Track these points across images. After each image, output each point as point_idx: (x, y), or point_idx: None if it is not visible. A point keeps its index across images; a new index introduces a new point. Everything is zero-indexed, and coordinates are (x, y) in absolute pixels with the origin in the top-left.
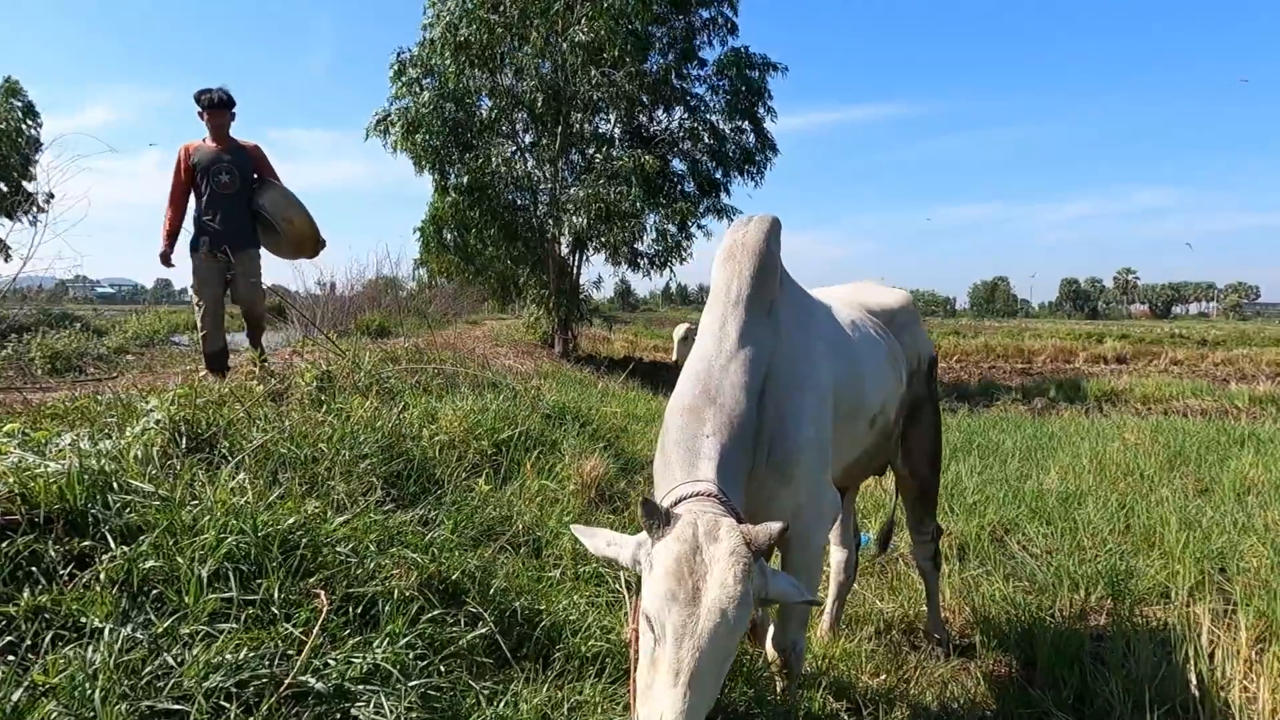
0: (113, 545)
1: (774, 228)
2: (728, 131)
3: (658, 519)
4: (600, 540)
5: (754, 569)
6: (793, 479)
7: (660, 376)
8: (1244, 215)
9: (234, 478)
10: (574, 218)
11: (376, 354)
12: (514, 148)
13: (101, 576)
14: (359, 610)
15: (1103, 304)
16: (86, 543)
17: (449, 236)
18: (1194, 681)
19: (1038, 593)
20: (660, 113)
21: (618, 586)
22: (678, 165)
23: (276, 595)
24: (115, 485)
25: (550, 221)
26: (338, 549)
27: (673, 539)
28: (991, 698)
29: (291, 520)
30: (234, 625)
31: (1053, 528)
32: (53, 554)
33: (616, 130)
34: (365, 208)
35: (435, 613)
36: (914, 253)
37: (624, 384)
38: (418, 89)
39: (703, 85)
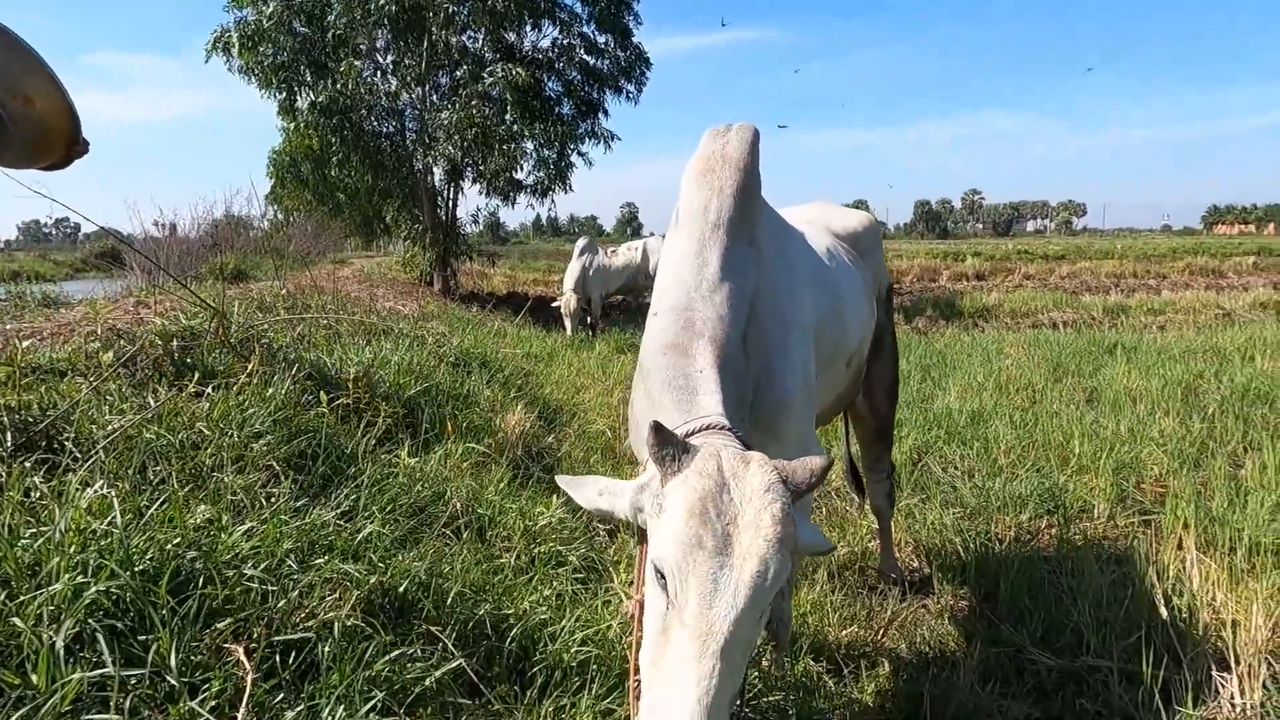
0: None
1: (756, 138)
2: (601, 44)
3: (673, 448)
4: (590, 490)
5: (792, 512)
6: (782, 433)
7: (547, 311)
8: (1075, 138)
9: (89, 485)
10: (447, 146)
11: (246, 302)
12: (374, 67)
13: None
14: (289, 657)
15: (951, 224)
16: None
17: (305, 169)
18: (1162, 605)
19: (971, 517)
20: (530, 29)
21: (584, 563)
22: (553, 86)
23: (173, 659)
24: None
25: (420, 150)
26: (246, 573)
27: (693, 473)
28: (961, 638)
29: (177, 540)
30: (114, 717)
31: (968, 448)
32: None
33: (486, 49)
34: (213, 143)
35: (386, 643)
36: (779, 179)
37: (514, 321)
38: (261, 1)
39: None
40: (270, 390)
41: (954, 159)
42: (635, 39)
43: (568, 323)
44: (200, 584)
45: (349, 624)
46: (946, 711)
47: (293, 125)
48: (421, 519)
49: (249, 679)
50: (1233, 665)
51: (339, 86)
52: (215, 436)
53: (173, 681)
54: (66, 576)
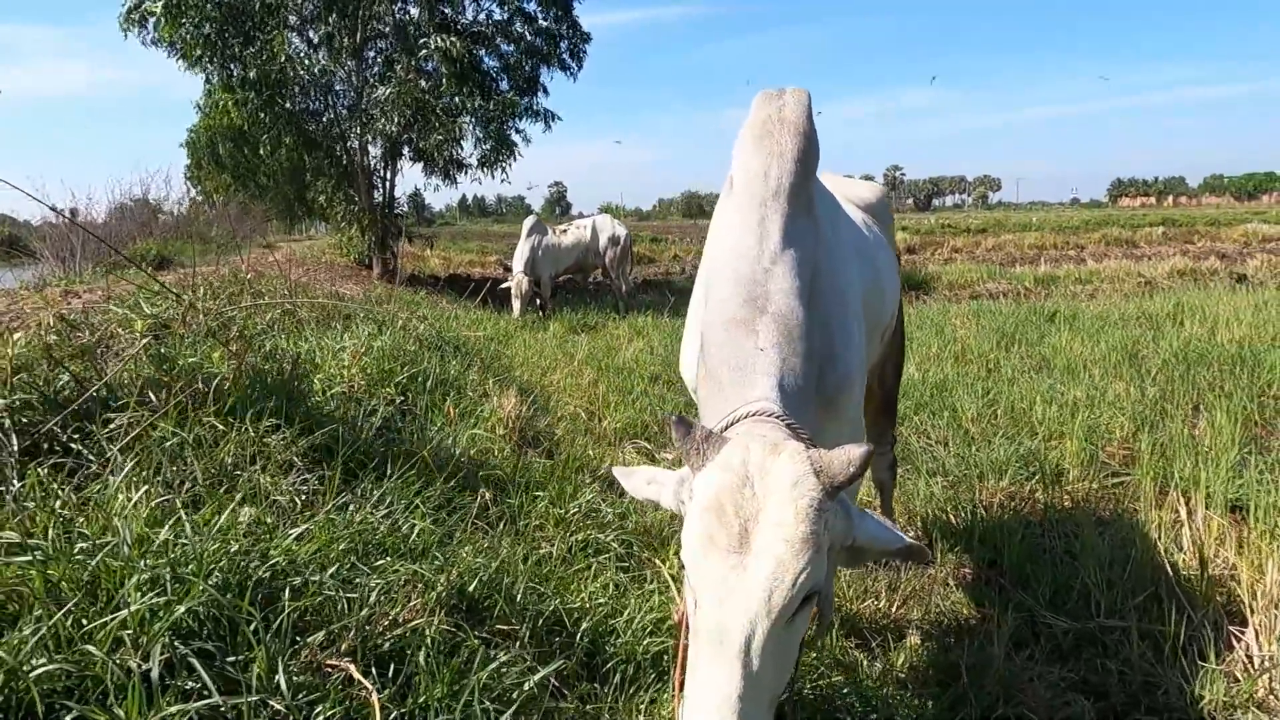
0: None
1: (810, 102)
2: (541, 20)
3: (697, 443)
4: (639, 479)
5: (830, 507)
6: (841, 412)
7: (492, 294)
8: (989, 115)
9: (127, 491)
10: (384, 122)
11: (212, 289)
12: (304, 41)
13: None
14: (387, 670)
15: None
16: None
17: (222, 149)
18: (1167, 564)
19: (955, 485)
20: (468, 2)
21: (624, 549)
22: (490, 62)
23: (282, 681)
24: None
25: (356, 127)
26: (314, 579)
27: (716, 467)
28: (973, 606)
29: (235, 548)
30: None
31: (937, 418)
32: None
33: (421, 21)
34: (114, 120)
35: (475, 647)
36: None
37: (470, 305)
38: None
39: None
40: (268, 379)
41: (874, 135)
42: (575, 14)
43: (516, 304)
44: (278, 595)
45: (439, 629)
46: (985, 681)
47: (213, 103)
48: (447, 509)
49: (374, 698)
50: (1248, 618)
51: (268, 60)
52: (227, 429)
53: (280, 707)
54: (138, 595)
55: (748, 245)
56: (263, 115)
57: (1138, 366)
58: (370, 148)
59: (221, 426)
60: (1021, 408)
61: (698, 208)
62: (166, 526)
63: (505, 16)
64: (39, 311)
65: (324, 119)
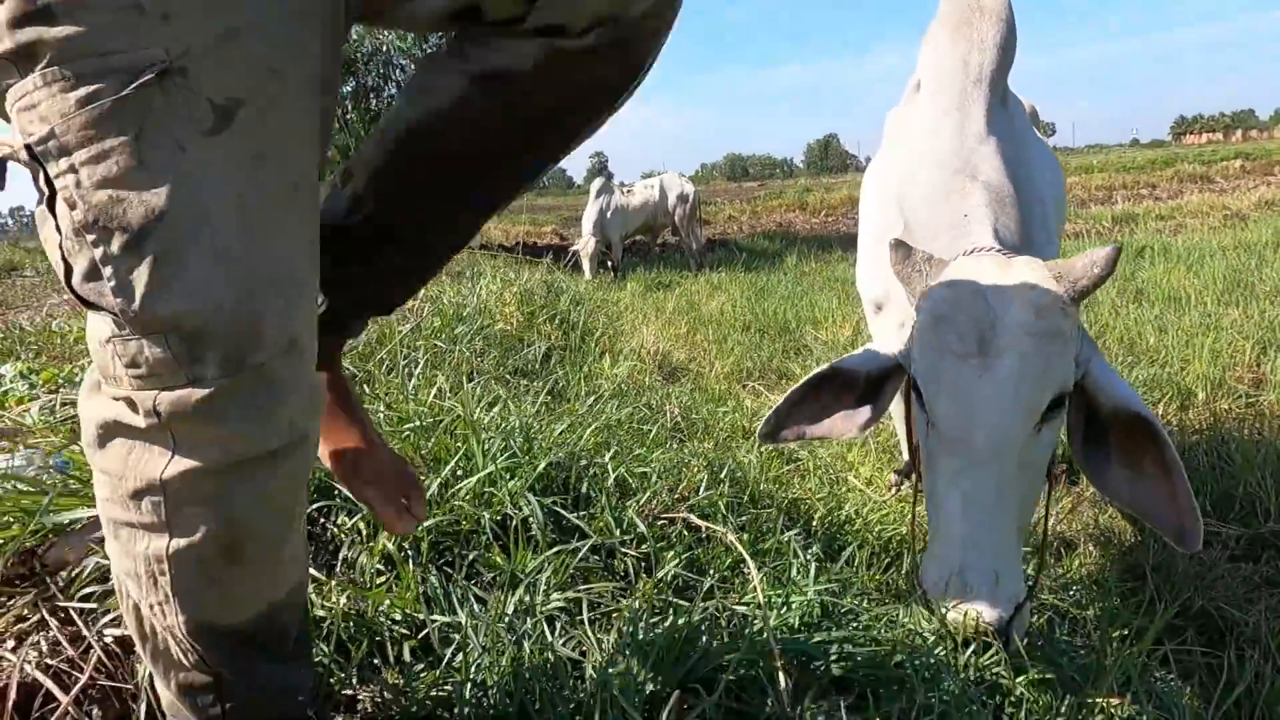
0: None
1: None
2: None
3: (918, 265)
4: (853, 359)
5: (1073, 312)
6: None
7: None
8: (1034, 59)
9: (429, 377)
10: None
11: None
12: None
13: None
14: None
15: None
16: None
17: None
18: None
19: None
20: None
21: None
22: None
23: (641, 524)
24: None
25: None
26: (598, 461)
27: (943, 282)
28: (1132, 521)
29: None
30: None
31: None
32: None
33: None
34: None
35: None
36: (749, 115)
37: (559, 266)
38: None
39: None
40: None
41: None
42: None
43: (586, 266)
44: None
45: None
46: (1171, 580)
47: None
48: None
49: (732, 537)
50: None
51: None
52: (448, 348)
53: (639, 551)
54: (490, 460)
55: (949, 133)
56: None
57: (1247, 292)
58: None
59: (441, 344)
60: (1131, 337)
61: (741, 170)
62: (496, 408)
63: None
64: None
65: (384, 94)
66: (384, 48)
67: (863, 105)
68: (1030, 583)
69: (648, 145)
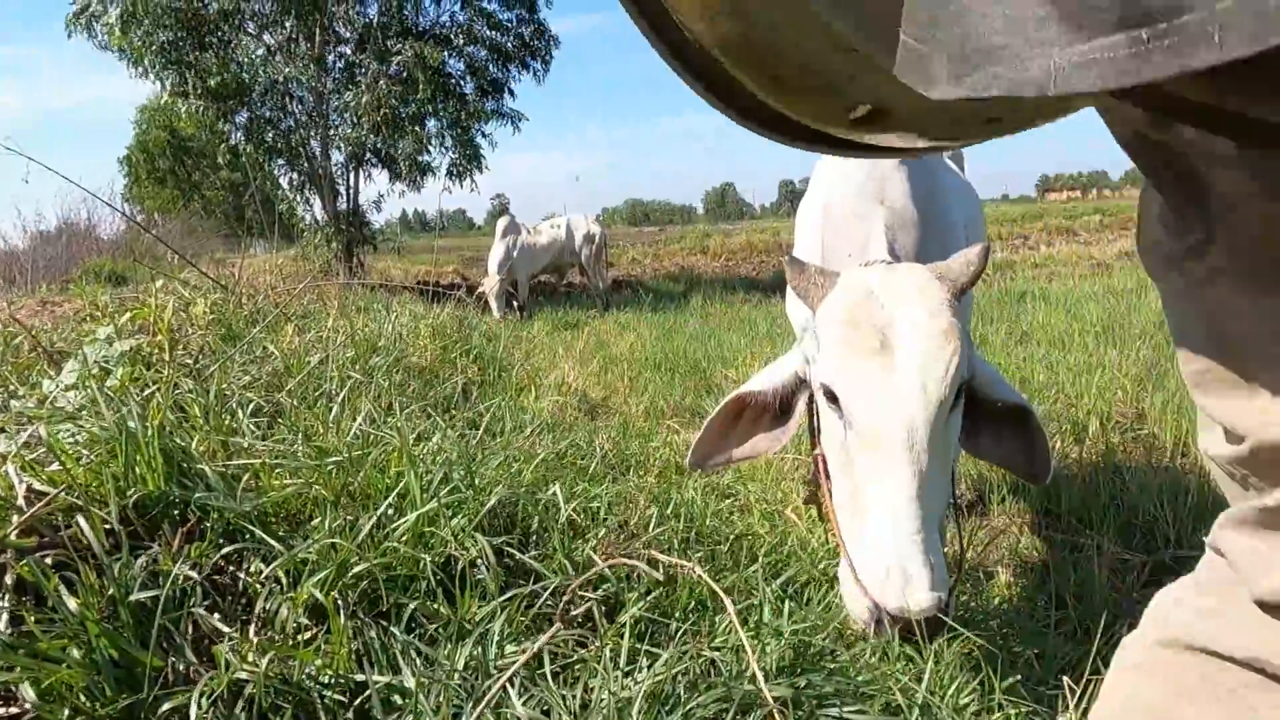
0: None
1: None
2: (505, 22)
3: (813, 278)
4: (758, 381)
5: (958, 308)
6: None
7: (465, 294)
8: None
9: (352, 406)
10: (352, 129)
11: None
12: (263, 47)
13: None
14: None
15: None
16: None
17: (163, 164)
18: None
19: None
20: (430, 3)
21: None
22: (454, 64)
23: (600, 562)
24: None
25: (318, 134)
26: (538, 495)
27: (838, 291)
28: (1045, 548)
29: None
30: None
31: None
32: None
33: (385, 24)
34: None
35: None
36: (649, 163)
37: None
38: None
39: None
40: (358, 341)
41: None
42: (541, 14)
43: (495, 306)
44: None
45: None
46: (1092, 608)
47: (149, 116)
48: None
49: (698, 571)
50: None
51: (226, 66)
52: (365, 380)
53: (598, 593)
54: (424, 496)
55: (866, 164)
56: (221, 125)
57: (1122, 333)
58: (334, 153)
59: (361, 376)
60: (1023, 375)
61: (642, 215)
62: (435, 437)
63: (466, 19)
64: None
65: (282, 126)
66: (282, 78)
67: (758, 157)
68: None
69: (549, 189)
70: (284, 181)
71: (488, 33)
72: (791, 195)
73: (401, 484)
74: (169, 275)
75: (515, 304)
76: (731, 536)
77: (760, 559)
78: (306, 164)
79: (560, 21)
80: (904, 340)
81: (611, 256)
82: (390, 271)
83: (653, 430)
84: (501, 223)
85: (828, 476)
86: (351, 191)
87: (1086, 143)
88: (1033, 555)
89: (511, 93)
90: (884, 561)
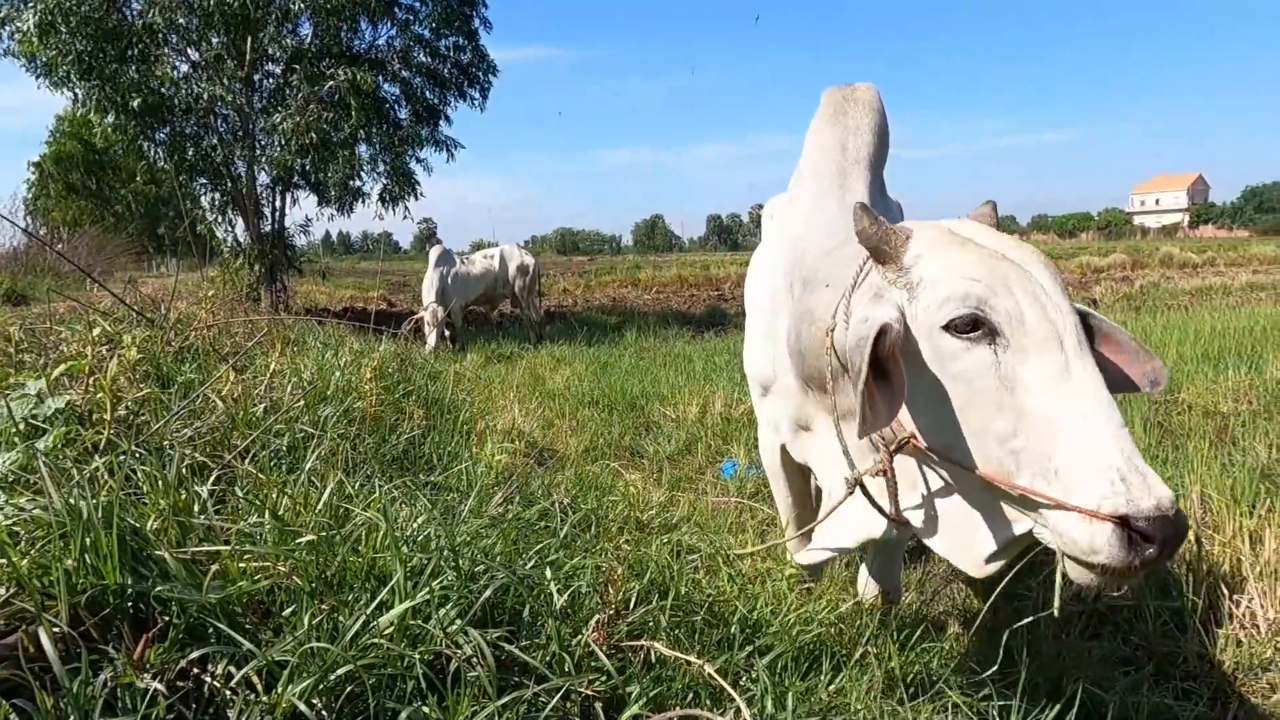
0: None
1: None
2: (444, 48)
3: (889, 229)
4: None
5: None
6: None
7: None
8: None
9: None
10: (281, 152)
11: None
12: (188, 63)
13: None
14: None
15: (740, 237)
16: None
17: (76, 177)
18: None
19: None
20: (366, 26)
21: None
22: (389, 89)
23: (603, 656)
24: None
25: (243, 155)
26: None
27: (936, 231)
28: (980, 600)
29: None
30: None
31: None
32: None
33: (314, 47)
34: None
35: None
36: (581, 195)
37: (383, 336)
38: None
39: None
40: (298, 386)
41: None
42: (481, 42)
43: (432, 336)
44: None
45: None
46: (1041, 658)
47: (63, 128)
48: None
49: (700, 663)
50: (1254, 584)
51: (146, 82)
52: (315, 434)
53: (607, 685)
54: (408, 584)
55: (833, 204)
56: (141, 141)
57: None
58: (260, 174)
59: (311, 429)
60: None
61: (572, 244)
62: (422, 517)
63: (403, 44)
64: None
65: (204, 144)
66: (205, 96)
67: (685, 191)
68: None
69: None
70: (205, 201)
71: (424, 58)
72: (719, 230)
73: (379, 566)
74: (80, 301)
75: (447, 335)
76: (705, 604)
77: (735, 630)
78: (230, 184)
79: (508, 51)
80: (1026, 256)
81: (543, 286)
82: (315, 295)
83: (608, 482)
84: (435, 251)
85: (930, 451)
86: (277, 214)
87: (989, 192)
88: (971, 606)
89: (448, 119)
90: (1113, 464)
